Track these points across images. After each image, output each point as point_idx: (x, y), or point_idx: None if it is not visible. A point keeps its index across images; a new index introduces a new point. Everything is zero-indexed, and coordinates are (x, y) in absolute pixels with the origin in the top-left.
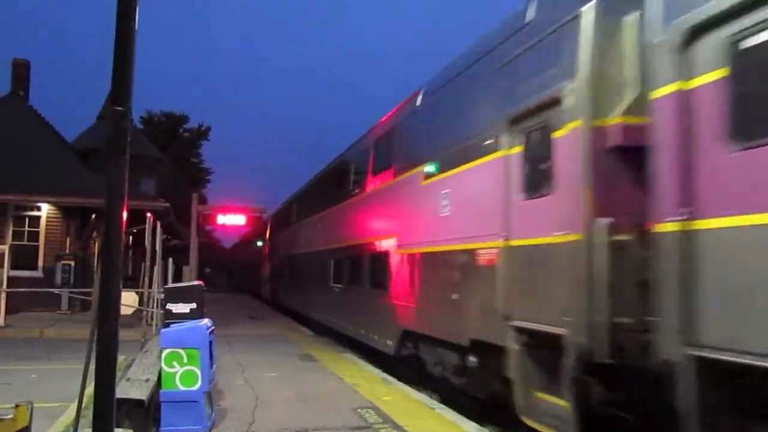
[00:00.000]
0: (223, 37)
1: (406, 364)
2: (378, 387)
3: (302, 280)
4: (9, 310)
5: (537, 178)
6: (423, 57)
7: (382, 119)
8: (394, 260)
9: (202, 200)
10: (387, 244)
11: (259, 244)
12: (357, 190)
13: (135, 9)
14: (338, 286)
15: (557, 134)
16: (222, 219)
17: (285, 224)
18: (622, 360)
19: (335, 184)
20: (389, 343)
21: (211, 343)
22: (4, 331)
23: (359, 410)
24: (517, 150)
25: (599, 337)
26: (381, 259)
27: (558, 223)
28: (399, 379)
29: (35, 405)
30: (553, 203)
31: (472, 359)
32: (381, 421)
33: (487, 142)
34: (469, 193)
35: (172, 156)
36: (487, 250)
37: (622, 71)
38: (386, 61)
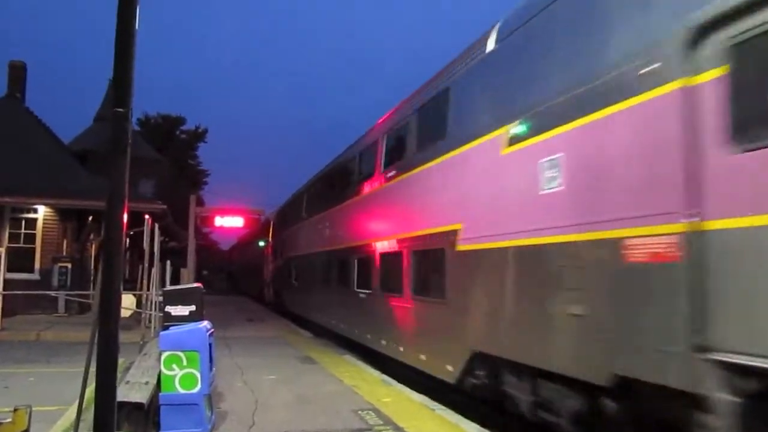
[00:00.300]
0: (220, 38)
1: (472, 396)
2: (378, 388)
3: (315, 284)
4: (5, 313)
5: (763, 115)
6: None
7: (427, 82)
8: (456, 258)
9: (200, 202)
10: (442, 237)
11: (261, 244)
12: (393, 173)
13: (135, 10)
14: (365, 291)
15: None
16: (220, 221)
17: (294, 221)
18: None
19: (362, 168)
20: (449, 368)
21: (210, 345)
22: (1, 334)
23: (359, 412)
24: (715, 74)
25: None
26: (434, 257)
27: None
28: (398, 381)
29: (34, 408)
30: None
31: (611, 405)
32: (381, 422)
33: (645, 70)
34: (605, 154)
35: (169, 158)
36: (649, 239)
37: None
38: (385, 63)
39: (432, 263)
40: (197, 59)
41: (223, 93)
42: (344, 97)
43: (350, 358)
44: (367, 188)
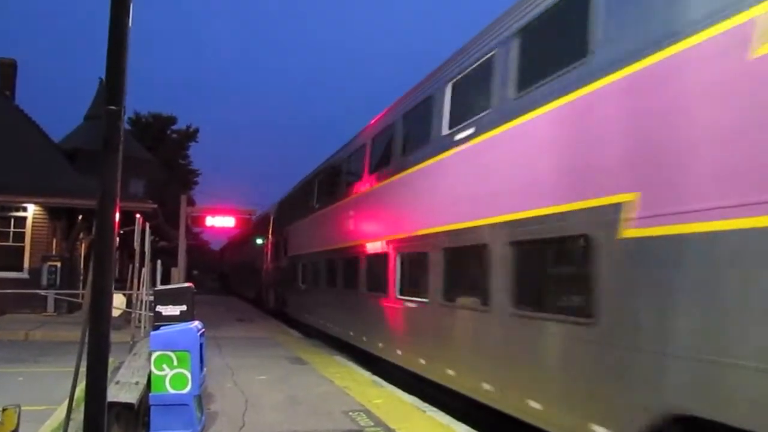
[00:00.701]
0: (212, 38)
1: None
2: (369, 389)
3: (344, 290)
4: None
5: None
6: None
7: None
8: (624, 252)
9: (191, 202)
10: (582, 220)
11: (259, 241)
12: (486, 125)
13: (129, 6)
14: (421, 300)
15: None
16: (211, 221)
17: (302, 213)
18: None
19: (419, 127)
20: None
21: (201, 345)
22: None
23: (350, 413)
24: None
25: None
26: (572, 250)
27: None
28: (389, 382)
29: (23, 408)
30: None
31: None
32: (373, 424)
33: None
34: None
35: (160, 157)
36: None
37: None
38: (377, 63)
39: (572, 261)
40: (189, 58)
41: (215, 93)
42: (337, 97)
43: (341, 359)
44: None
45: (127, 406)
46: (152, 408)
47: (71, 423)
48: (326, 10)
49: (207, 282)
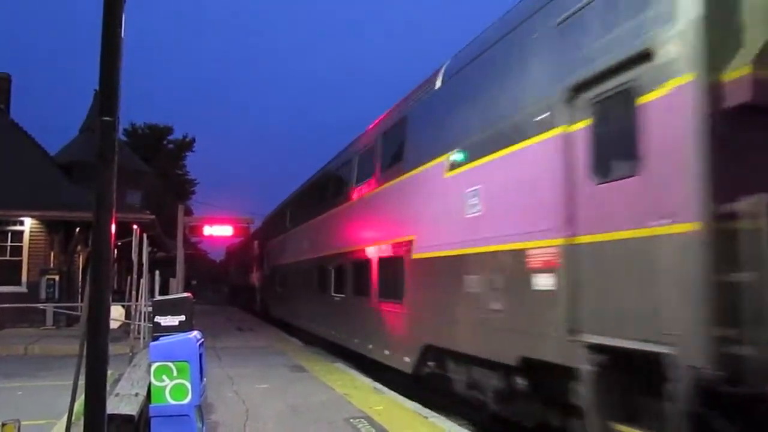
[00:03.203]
0: (209, 47)
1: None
2: (370, 396)
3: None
4: None
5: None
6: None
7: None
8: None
9: (188, 212)
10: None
11: (252, 254)
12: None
13: (121, 16)
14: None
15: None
16: (209, 230)
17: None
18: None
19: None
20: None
21: (201, 355)
22: None
23: (351, 420)
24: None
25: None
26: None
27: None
28: (390, 388)
29: (22, 422)
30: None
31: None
32: (374, 431)
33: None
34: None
35: (156, 168)
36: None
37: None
38: (376, 72)
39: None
40: (185, 68)
41: (212, 102)
42: (334, 105)
43: (341, 366)
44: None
45: (128, 419)
46: (152, 419)
47: None
48: (324, 19)
49: (205, 292)
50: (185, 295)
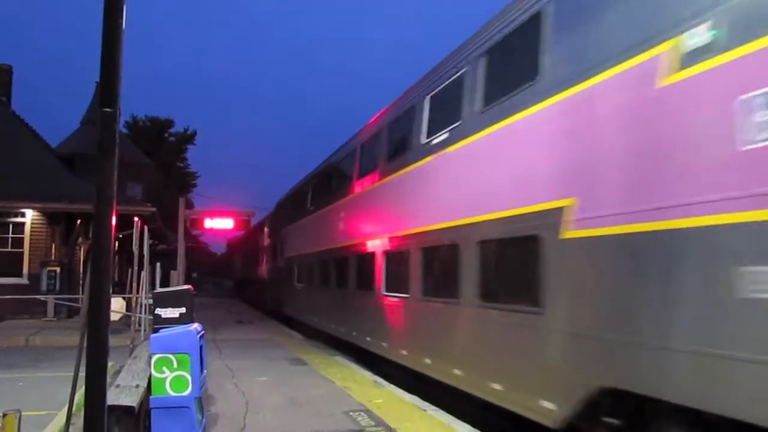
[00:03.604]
0: (210, 40)
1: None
2: (370, 389)
3: None
4: None
5: None
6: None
7: None
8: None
9: (189, 205)
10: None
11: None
12: None
13: (122, 7)
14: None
15: None
16: (209, 223)
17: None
18: None
19: None
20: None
21: (201, 347)
22: None
23: (351, 413)
24: None
25: None
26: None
27: None
28: (391, 382)
29: (23, 413)
30: None
31: None
32: (374, 424)
33: None
34: None
35: (157, 161)
36: None
37: None
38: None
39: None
40: (187, 61)
41: (214, 95)
42: (336, 98)
43: (341, 359)
44: None
45: (128, 410)
46: (153, 411)
47: (72, 428)
48: (328, 11)
49: (207, 285)
50: (186, 287)
